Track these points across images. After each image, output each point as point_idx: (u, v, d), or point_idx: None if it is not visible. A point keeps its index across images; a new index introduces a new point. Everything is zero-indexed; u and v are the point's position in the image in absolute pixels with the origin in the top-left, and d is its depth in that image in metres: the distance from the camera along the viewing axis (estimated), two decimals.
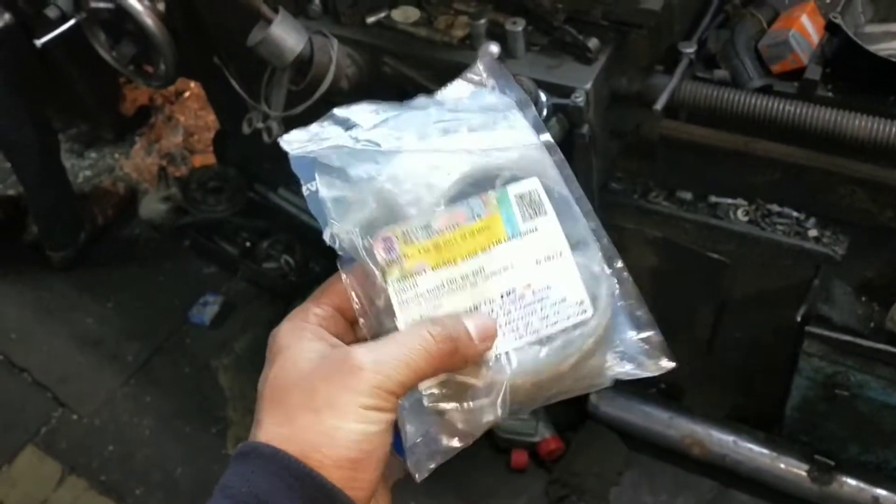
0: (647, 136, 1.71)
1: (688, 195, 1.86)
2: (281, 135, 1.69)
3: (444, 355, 0.61)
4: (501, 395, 0.63)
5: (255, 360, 2.72)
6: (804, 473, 2.08)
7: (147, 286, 2.98)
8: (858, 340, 1.78)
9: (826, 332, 1.81)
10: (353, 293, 0.65)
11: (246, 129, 1.74)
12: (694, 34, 1.66)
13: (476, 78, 0.76)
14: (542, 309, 0.66)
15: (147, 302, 2.93)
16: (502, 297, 0.65)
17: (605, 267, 0.69)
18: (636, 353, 0.68)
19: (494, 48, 1.30)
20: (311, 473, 0.58)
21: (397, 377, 0.60)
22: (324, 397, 0.59)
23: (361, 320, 0.66)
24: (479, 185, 0.68)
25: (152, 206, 3.05)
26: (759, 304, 1.92)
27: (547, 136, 0.72)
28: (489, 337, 0.64)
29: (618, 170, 1.89)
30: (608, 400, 2.26)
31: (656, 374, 0.68)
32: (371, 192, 0.66)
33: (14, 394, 2.74)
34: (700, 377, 2.23)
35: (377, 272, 0.65)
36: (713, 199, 1.85)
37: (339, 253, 0.66)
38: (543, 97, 1.47)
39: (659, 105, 1.53)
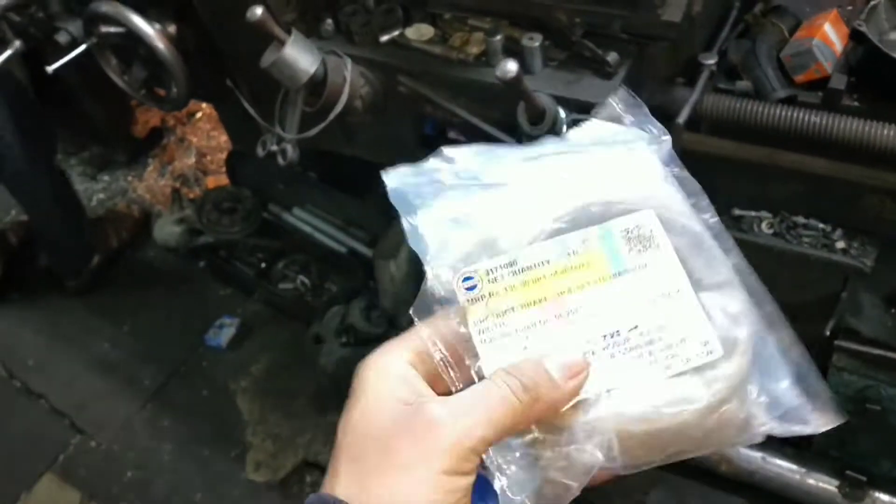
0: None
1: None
2: (295, 157, 1.67)
3: (526, 406, 0.57)
4: (603, 439, 0.58)
5: (274, 382, 2.69)
6: (835, 489, 2.03)
7: (163, 309, 2.98)
8: (890, 354, 1.74)
9: (856, 346, 1.77)
10: (436, 341, 0.61)
11: (260, 152, 1.72)
12: (714, 45, 1.62)
13: (611, 117, 0.72)
14: (650, 352, 0.60)
15: (163, 325, 2.92)
16: (605, 338, 0.60)
17: (751, 308, 0.63)
18: (792, 406, 0.62)
19: (513, 65, 1.27)
20: None
21: (477, 433, 0.55)
22: (398, 458, 0.55)
23: (450, 373, 0.61)
24: (589, 220, 0.63)
25: (166, 229, 3.03)
26: (786, 317, 1.88)
27: (682, 171, 0.69)
28: (575, 375, 0.59)
29: None
30: None
31: (820, 430, 0.61)
32: (469, 228, 0.63)
33: (32, 421, 2.74)
34: None
35: (458, 313, 0.61)
36: (736, 212, 1.81)
37: (433, 294, 0.62)
38: (562, 113, 1.44)
39: (681, 119, 1.50)
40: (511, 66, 1.28)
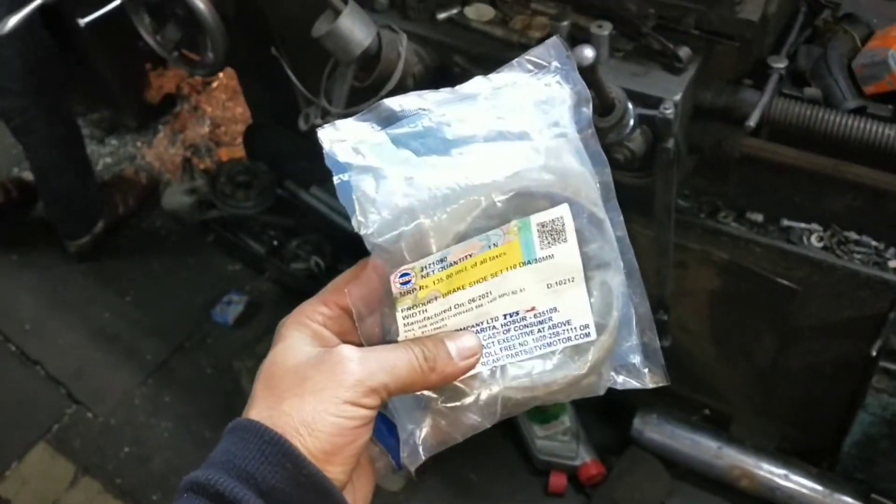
0: (728, 153, 1.62)
1: (759, 217, 1.77)
2: None
3: (424, 372, 0.66)
4: (490, 405, 0.69)
5: None
6: None
7: (168, 281, 2.89)
8: None
9: None
10: (356, 304, 0.69)
11: (302, 126, 1.65)
12: (781, 48, 1.56)
13: (539, 60, 0.72)
14: (540, 330, 0.69)
15: (168, 298, 2.83)
16: (505, 317, 0.69)
17: (623, 290, 0.71)
18: (633, 365, 0.72)
19: (590, 51, 1.20)
20: (287, 444, 0.61)
21: (380, 378, 0.64)
22: (310, 385, 0.63)
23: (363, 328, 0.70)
24: (512, 207, 0.68)
25: (176, 198, 2.94)
26: (826, 334, 1.83)
27: (595, 145, 0.71)
28: (470, 356, 0.68)
29: (685, 187, 1.80)
30: (653, 426, 2.17)
31: (649, 387, 0.72)
32: (399, 203, 0.67)
33: (26, 388, 2.64)
34: (751, 405, 2.14)
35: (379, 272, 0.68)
36: (785, 222, 1.76)
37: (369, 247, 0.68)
38: (630, 107, 1.38)
39: (752, 121, 1.44)
40: (588, 53, 1.20)
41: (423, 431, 0.69)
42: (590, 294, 0.69)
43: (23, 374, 2.67)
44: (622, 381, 0.72)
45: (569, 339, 0.69)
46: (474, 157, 0.68)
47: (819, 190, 1.67)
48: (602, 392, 0.72)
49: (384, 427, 0.72)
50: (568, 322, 0.68)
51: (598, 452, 2.23)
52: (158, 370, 2.65)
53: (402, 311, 0.68)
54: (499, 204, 0.67)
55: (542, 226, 0.68)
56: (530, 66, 0.72)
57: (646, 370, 0.72)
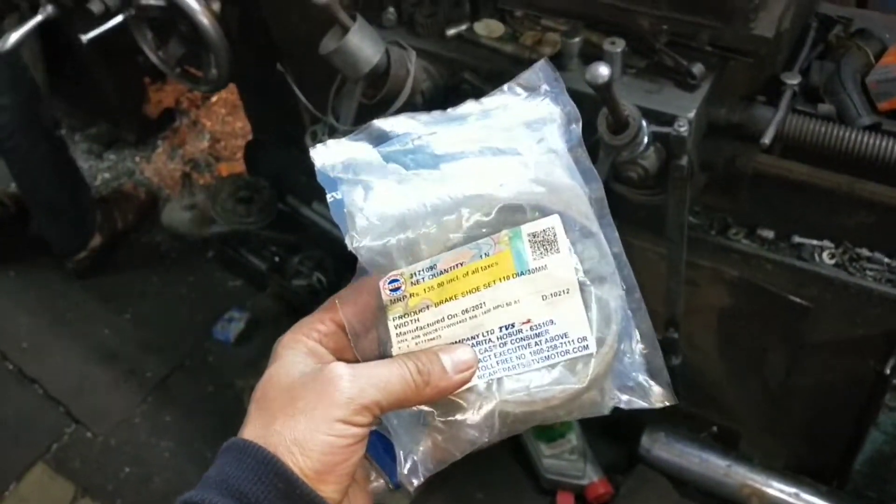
0: (741, 170, 1.60)
1: (770, 234, 1.75)
2: None
3: (418, 387, 0.66)
4: (487, 419, 0.68)
5: None
6: None
7: (168, 298, 2.86)
8: None
9: None
10: (349, 319, 0.69)
11: (309, 143, 1.62)
12: (794, 65, 1.55)
13: (529, 84, 0.75)
14: (537, 343, 0.68)
15: (168, 315, 2.80)
16: (501, 329, 0.68)
17: (622, 304, 0.71)
18: (638, 383, 0.71)
19: (605, 69, 1.18)
20: (279, 464, 0.61)
21: (372, 395, 0.64)
22: (302, 404, 0.63)
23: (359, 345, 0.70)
24: (503, 220, 0.69)
25: (175, 214, 2.92)
26: (838, 352, 1.81)
27: (586, 161, 0.72)
28: (464, 371, 0.67)
29: (696, 203, 1.78)
30: (661, 444, 2.14)
31: (656, 406, 0.71)
32: (388, 214, 0.68)
33: (24, 407, 2.60)
34: (760, 423, 2.12)
35: (371, 289, 0.69)
36: (797, 239, 1.74)
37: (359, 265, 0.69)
38: (644, 125, 1.36)
39: (766, 139, 1.42)
40: (603, 71, 1.19)
41: (422, 450, 0.69)
42: (587, 308, 0.69)
43: (20, 392, 2.64)
44: (627, 400, 0.71)
45: (566, 352, 0.68)
46: (464, 170, 0.69)
47: (832, 207, 1.65)
48: (607, 412, 0.71)
49: (380, 444, 0.72)
50: (565, 335, 0.68)
51: (605, 471, 2.20)
52: (159, 388, 2.62)
53: (393, 319, 0.69)
54: (489, 216, 0.68)
55: (534, 236, 0.68)
56: (520, 90, 0.74)
57: (651, 389, 0.71)
